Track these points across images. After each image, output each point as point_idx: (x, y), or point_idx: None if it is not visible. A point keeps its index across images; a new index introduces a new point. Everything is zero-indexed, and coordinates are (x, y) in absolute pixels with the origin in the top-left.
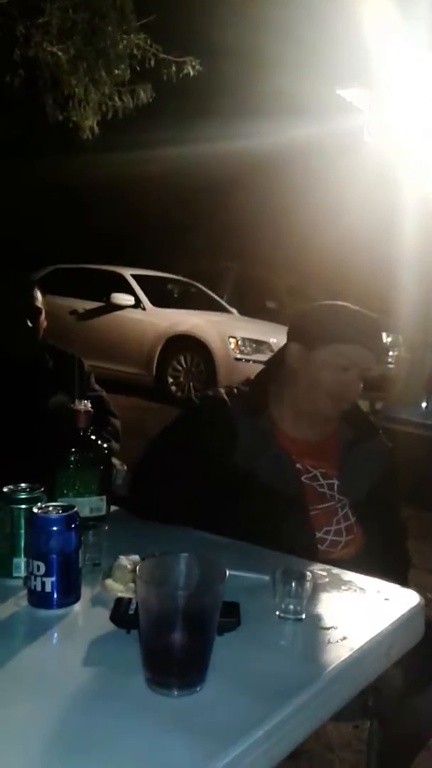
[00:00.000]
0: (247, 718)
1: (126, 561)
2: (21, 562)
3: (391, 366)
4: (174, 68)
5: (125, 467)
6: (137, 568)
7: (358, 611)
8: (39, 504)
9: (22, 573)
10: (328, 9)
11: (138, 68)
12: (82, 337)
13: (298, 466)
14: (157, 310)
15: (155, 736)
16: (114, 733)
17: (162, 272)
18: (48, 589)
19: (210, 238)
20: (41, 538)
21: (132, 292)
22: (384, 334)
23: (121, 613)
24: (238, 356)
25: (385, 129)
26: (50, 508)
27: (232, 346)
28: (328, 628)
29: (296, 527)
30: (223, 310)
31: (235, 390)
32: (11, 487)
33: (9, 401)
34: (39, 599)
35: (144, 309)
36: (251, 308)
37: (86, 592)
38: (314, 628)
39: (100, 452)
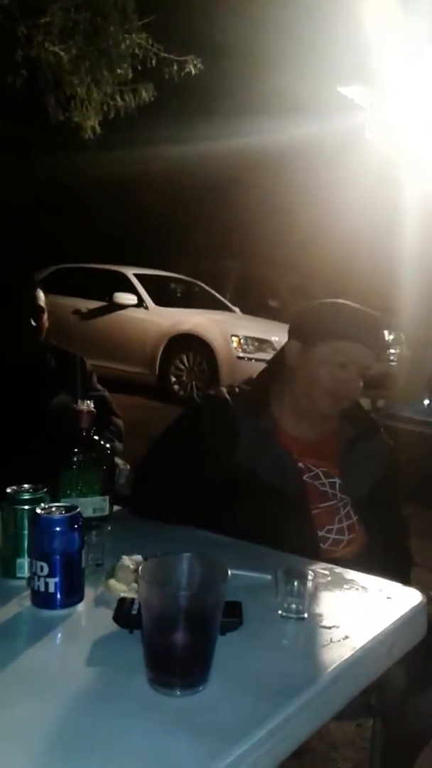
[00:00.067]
0: (250, 718)
1: (129, 561)
2: (24, 562)
3: (392, 364)
4: (175, 67)
5: (128, 467)
6: (140, 568)
7: (360, 610)
8: (42, 504)
9: (26, 573)
10: (328, 7)
11: (140, 68)
12: (85, 336)
13: (299, 465)
14: (160, 309)
15: (158, 736)
16: (117, 733)
17: (164, 271)
18: (51, 589)
19: (212, 236)
20: (44, 538)
21: (134, 292)
22: (385, 332)
23: (124, 613)
24: (241, 355)
25: (386, 126)
26: (53, 509)
27: (235, 344)
28: (330, 627)
29: (298, 526)
30: (226, 308)
31: (237, 389)
32: (14, 487)
33: (11, 401)
34: (42, 600)
35: (146, 308)
36: (253, 307)
37: (89, 593)
38: (316, 627)
39: (103, 452)
